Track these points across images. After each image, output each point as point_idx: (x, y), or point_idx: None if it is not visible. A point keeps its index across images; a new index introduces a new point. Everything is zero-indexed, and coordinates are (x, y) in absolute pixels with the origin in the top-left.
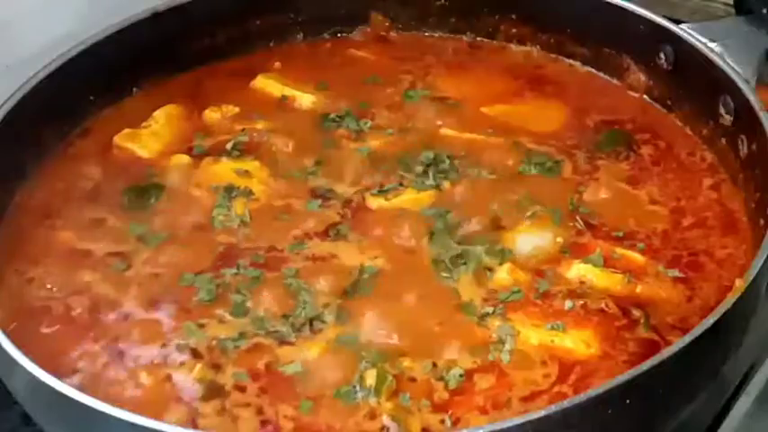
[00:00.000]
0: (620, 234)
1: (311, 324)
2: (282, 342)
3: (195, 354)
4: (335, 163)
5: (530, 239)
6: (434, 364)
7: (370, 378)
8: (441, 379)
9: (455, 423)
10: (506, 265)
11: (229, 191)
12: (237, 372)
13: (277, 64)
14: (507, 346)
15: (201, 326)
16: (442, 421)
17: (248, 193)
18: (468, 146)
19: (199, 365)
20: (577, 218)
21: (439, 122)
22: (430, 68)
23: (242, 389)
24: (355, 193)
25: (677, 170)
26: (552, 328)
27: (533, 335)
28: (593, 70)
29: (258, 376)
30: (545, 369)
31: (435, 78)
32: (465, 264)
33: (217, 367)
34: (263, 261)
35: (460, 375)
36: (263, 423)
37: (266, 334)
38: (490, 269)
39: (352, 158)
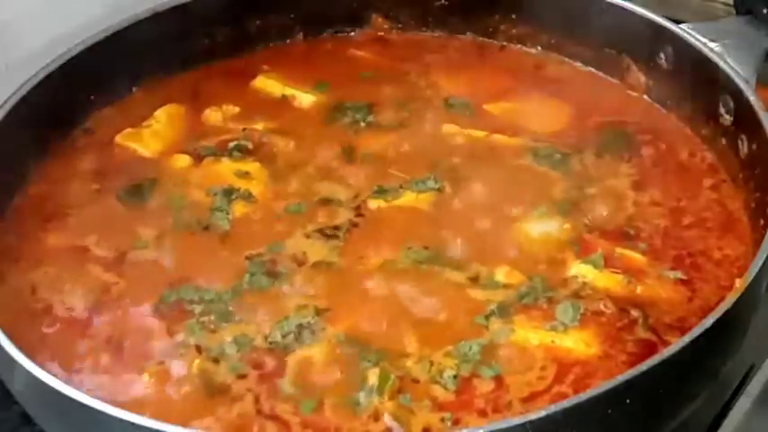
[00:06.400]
0: (622, 234)
1: (312, 326)
2: (282, 344)
3: (196, 352)
4: (336, 163)
5: (532, 239)
6: (431, 364)
7: (373, 377)
8: (436, 382)
9: (455, 423)
10: (507, 267)
11: (228, 193)
12: (236, 369)
13: (265, 67)
14: (506, 347)
15: (202, 326)
16: (443, 420)
17: (248, 195)
18: (472, 143)
19: (198, 362)
20: (585, 219)
21: (441, 120)
22: (431, 68)
23: (239, 389)
24: (356, 194)
25: (677, 170)
26: (552, 329)
27: (533, 335)
28: (594, 70)
29: (259, 376)
30: (545, 369)
31: (437, 77)
32: (466, 264)
33: (217, 366)
34: (262, 263)
35: (454, 376)
36: (262, 422)
37: (266, 337)
38: (491, 270)
39: (353, 159)
